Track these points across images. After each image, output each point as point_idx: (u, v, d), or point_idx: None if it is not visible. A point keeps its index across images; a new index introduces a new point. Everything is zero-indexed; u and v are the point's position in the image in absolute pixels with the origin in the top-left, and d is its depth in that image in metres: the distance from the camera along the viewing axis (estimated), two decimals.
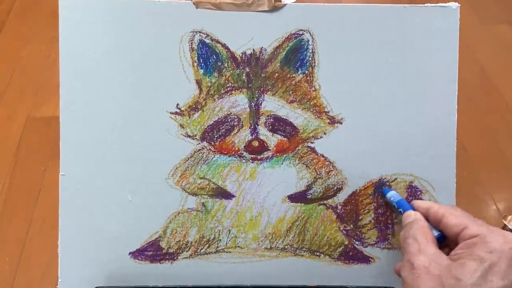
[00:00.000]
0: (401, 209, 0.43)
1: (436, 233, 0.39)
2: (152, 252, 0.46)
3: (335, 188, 0.46)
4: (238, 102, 0.45)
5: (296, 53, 0.45)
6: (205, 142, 0.46)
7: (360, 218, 0.47)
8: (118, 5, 0.44)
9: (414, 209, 0.42)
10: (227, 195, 0.46)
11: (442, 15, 0.45)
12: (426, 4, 0.45)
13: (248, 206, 0.46)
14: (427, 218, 0.40)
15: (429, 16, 0.45)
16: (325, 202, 0.46)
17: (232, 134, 0.46)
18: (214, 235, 0.46)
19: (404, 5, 0.45)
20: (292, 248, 0.47)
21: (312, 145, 0.46)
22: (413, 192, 0.46)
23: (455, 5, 0.45)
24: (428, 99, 0.46)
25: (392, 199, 0.45)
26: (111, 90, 0.45)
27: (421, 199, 0.46)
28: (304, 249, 0.47)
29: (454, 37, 0.46)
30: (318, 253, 0.47)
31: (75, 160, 0.45)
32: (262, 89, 0.45)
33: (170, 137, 0.45)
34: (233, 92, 0.45)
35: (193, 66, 0.45)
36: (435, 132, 0.46)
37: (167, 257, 0.46)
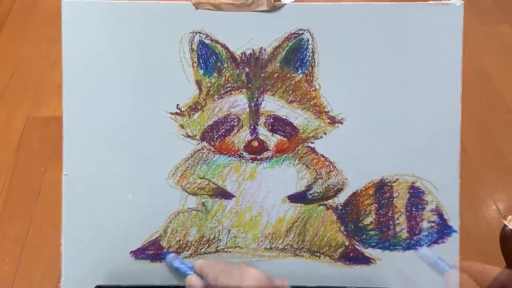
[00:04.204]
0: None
1: None
2: (153, 251, 0.46)
3: (335, 188, 0.46)
4: (238, 102, 0.45)
5: (296, 53, 0.45)
6: (205, 142, 0.46)
7: (361, 218, 0.47)
8: (119, 7, 0.44)
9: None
10: (227, 195, 0.46)
11: (445, 13, 0.45)
12: (428, 2, 0.45)
13: (248, 206, 0.46)
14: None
15: (432, 14, 0.45)
16: (325, 202, 0.46)
17: (232, 134, 0.46)
18: (214, 235, 0.46)
19: (406, 2, 0.45)
20: (292, 249, 0.47)
21: (312, 145, 0.46)
22: (415, 193, 0.46)
23: (458, 2, 0.45)
24: (431, 98, 0.46)
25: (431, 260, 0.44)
26: (112, 90, 0.45)
27: (423, 200, 0.46)
28: (304, 249, 0.47)
29: (458, 35, 0.45)
30: (318, 254, 0.47)
31: (77, 160, 0.45)
32: (261, 89, 0.45)
33: (170, 137, 0.45)
34: (232, 92, 0.45)
35: (193, 66, 0.45)
36: (438, 131, 0.46)
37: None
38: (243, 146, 0.46)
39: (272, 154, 0.46)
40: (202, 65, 0.45)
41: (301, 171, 0.46)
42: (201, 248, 0.46)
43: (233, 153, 0.46)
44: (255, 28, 0.45)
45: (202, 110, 0.45)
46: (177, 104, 0.45)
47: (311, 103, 0.46)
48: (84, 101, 0.45)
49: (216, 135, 0.46)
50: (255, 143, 0.46)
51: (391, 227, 0.46)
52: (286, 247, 0.46)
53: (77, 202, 0.45)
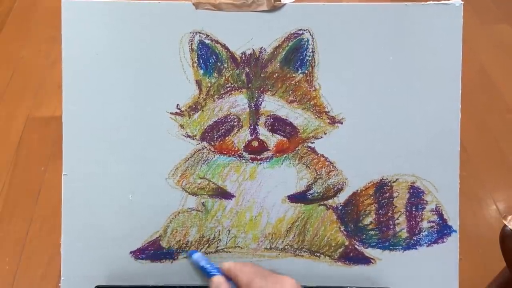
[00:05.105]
0: None
1: None
2: (153, 251, 0.46)
3: (335, 188, 0.46)
4: (238, 102, 0.45)
5: (296, 53, 0.45)
6: (205, 142, 0.46)
7: (361, 218, 0.47)
8: (119, 7, 0.44)
9: None
10: (227, 195, 0.46)
11: (445, 13, 0.45)
12: (428, 2, 0.45)
13: (248, 206, 0.46)
14: None
15: (431, 14, 0.45)
16: (325, 202, 0.46)
17: (232, 134, 0.46)
18: (214, 235, 0.46)
19: (405, 3, 0.45)
20: (292, 249, 0.47)
21: (312, 145, 0.46)
22: (415, 193, 0.46)
23: (458, 2, 0.45)
24: (431, 98, 0.46)
25: None
26: (112, 90, 0.45)
27: (423, 200, 0.46)
28: (304, 249, 0.47)
29: (457, 35, 0.45)
30: (318, 254, 0.47)
31: (77, 160, 0.45)
32: (261, 89, 0.45)
33: (170, 137, 0.45)
34: (232, 92, 0.45)
35: (193, 66, 0.45)
36: (438, 131, 0.46)
37: (168, 256, 0.46)
38: (243, 146, 0.46)
39: (272, 154, 0.46)
40: (202, 65, 0.45)
41: (301, 171, 0.46)
42: (201, 248, 0.46)
43: (233, 153, 0.46)
44: (255, 28, 0.45)
45: (202, 110, 0.45)
46: (177, 104, 0.45)
47: (311, 103, 0.46)
48: (84, 101, 0.45)
49: (216, 135, 0.46)
50: (255, 143, 0.46)
51: (391, 227, 0.46)
52: (286, 247, 0.46)
53: (77, 202, 0.45)
